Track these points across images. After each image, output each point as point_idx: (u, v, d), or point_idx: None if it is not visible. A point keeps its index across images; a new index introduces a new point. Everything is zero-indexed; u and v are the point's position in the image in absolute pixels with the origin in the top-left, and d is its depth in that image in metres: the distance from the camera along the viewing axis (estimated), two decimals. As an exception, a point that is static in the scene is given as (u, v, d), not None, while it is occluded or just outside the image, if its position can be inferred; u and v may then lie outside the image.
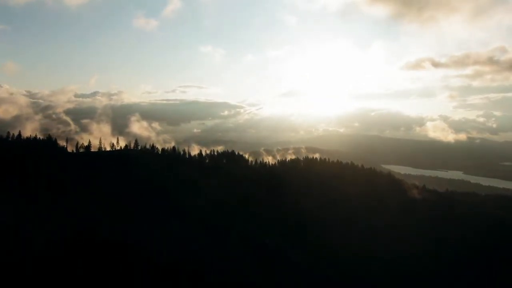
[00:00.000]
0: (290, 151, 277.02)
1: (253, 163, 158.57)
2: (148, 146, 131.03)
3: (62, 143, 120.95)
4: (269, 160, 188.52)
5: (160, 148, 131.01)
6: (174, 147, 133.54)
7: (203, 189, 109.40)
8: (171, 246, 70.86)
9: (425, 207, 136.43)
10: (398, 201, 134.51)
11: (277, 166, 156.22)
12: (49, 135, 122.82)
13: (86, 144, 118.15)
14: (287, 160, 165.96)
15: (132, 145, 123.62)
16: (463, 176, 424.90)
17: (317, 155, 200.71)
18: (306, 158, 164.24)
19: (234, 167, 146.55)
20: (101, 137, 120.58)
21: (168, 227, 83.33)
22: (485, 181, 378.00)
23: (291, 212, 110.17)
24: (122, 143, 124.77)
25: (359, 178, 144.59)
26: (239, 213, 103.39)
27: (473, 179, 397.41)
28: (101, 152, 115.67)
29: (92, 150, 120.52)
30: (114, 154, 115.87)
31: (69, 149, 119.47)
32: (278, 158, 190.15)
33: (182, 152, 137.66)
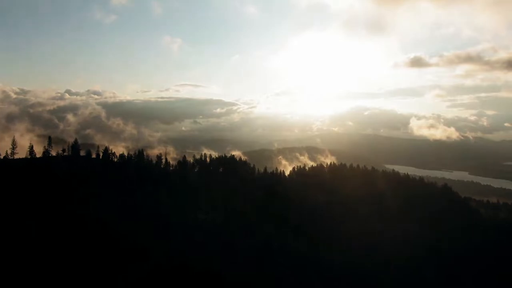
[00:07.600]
0: (295, 153, 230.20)
1: (261, 171, 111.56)
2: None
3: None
4: (277, 166, 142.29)
5: (119, 154, 79.98)
6: (141, 151, 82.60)
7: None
8: None
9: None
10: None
11: (295, 178, 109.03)
12: None
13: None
14: (306, 168, 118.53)
15: (68, 150, 73.30)
16: (470, 177, 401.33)
17: (332, 158, 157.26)
18: (334, 165, 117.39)
19: (234, 178, 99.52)
20: (14, 136, 70.16)
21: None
22: (494, 183, 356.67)
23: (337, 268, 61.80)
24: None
25: (410, 190, 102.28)
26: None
27: (482, 180, 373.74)
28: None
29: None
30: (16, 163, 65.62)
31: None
32: (288, 164, 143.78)
33: (156, 159, 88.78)
